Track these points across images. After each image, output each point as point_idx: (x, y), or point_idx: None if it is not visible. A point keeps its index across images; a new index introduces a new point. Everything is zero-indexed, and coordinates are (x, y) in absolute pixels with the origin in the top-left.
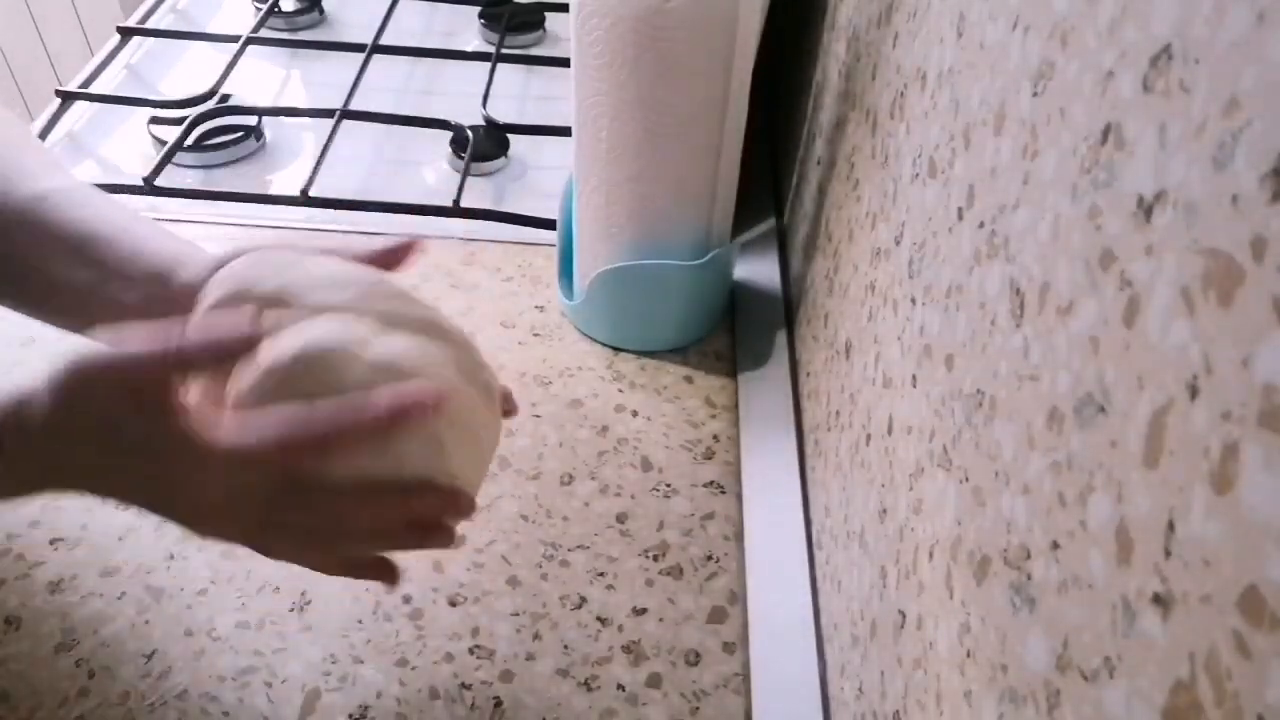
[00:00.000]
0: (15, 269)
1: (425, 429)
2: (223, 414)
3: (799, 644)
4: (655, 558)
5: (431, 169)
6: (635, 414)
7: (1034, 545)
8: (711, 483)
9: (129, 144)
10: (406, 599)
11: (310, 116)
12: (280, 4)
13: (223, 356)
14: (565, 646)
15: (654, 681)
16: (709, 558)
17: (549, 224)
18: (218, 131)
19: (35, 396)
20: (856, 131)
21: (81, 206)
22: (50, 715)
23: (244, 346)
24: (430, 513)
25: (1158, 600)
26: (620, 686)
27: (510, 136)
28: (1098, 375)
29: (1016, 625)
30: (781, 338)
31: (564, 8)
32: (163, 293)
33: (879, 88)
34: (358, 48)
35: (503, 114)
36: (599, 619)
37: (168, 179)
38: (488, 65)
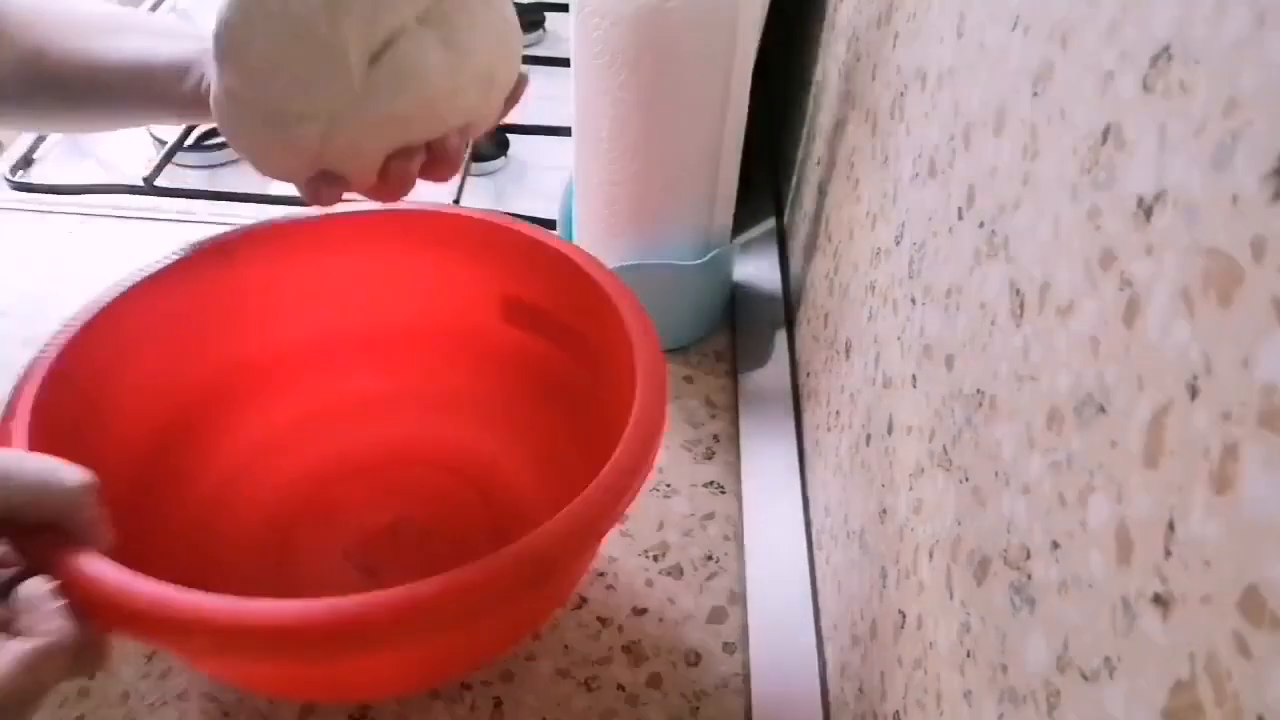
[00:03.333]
0: (95, 56)
1: None
2: None
3: (799, 644)
4: (655, 558)
5: None
6: None
7: (1034, 545)
8: (711, 483)
9: (129, 144)
10: None
11: None
12: None
13: None
14: (565, 646)
15: (654, 681)
16: (709, 558)
17: (549, 224)
18: (218, 131)
19: None
20: (856, 131)
21: (147, 15)
22: (50, 715)
23: None
24: None
25: (1158, 600)
26: (620, 686)
27: (510, 136)
28: (1098, 375)
29: (1016, 625)
30: (781, 338)
31: (564, 8)
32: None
33: (879, 88)
34: None
35: None
36: (599, 619)
37: (168, 179)
38: None
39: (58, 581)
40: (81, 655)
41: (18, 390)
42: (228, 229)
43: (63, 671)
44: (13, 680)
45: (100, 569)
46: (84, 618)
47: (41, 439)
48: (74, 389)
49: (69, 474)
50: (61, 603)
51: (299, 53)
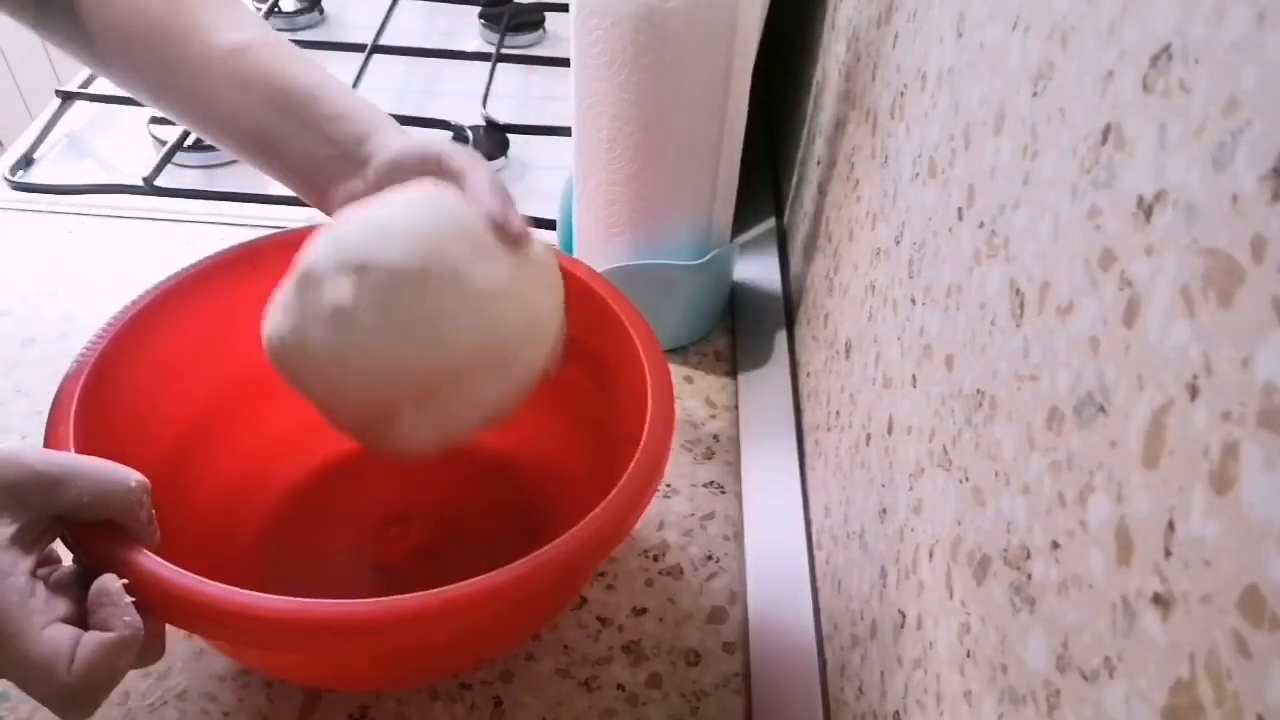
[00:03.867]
0: (216, 111)
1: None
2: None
3: (799, 644)
4: (655, 558)
5: None
6: None
7: (1034, 545)
8: (711, 483)
9: (129, 144)
10: None
11: None
12: (280, 4)
13: None
14: (565, 646)
15: (654, 681)
16: (709, 558)
17: (549, 224)
18: None
19: None
20: (856, 131)
21: (282, 60)
22: (50, 715)
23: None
24: None
25: (1158, 600)
26: (620, 686)
27: (510, 136)
28: (1098, 375)
29: (1016, 625)
30: (781, 338)
31: (564, 8)
32: (350, 154)
33: (879, 88)
34: (358, 48)
35: (503, 114)
36: (599, 619)
37: (168, 179)
38: (488, 65)
39: (125, 580)
40: (145, 647)
41: (62, 392)
42: (227, 229)
43: (132, 662)
44: (97, 670)
45: (164, 570)
46: (148, 613)
47: (83, 441)
48: (110, 392)
49: (130, 476)
50: (133, 599)
51: (310, 396)
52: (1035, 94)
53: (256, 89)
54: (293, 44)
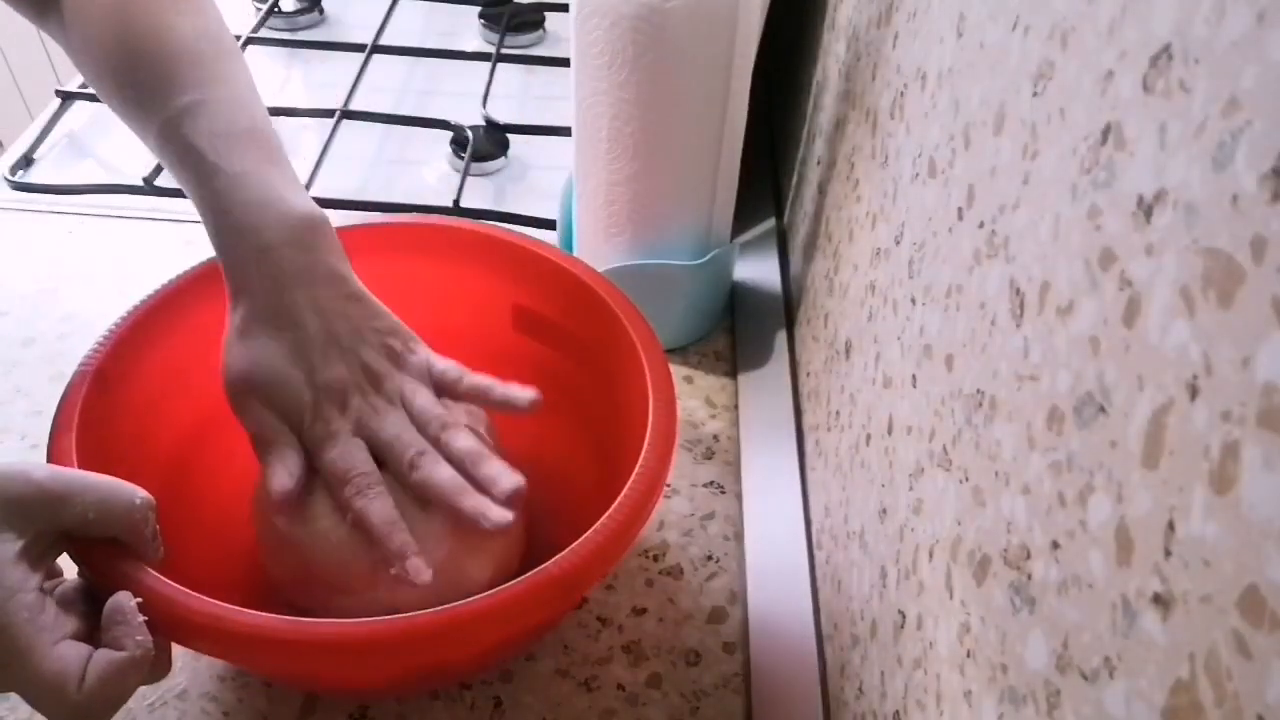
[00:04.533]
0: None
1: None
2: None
3: (799, 644)
4: (655, 558)
5: (431, 169)
6: None
7: (1034, 545)
8: (711, 483)
9: (129, 144)
10: None
11: (310, 116)
12: (280, 4)
13: None
14: (565, 646)
15: (654, 681)
16: (709, 558)
17: (549, 224)
18: None
19: None
20: (856, 131)
21: (207, 140)
22: None
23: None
24: None
25: (1158, 600)
26: (620, 686)
27: (510, 136)
28: (1098, 375)
29: (1016, 625)
30: (781, 338)
31: (564, 8)
32: (230, 256)
33: (879, 88)
34: (358, 48)
35: (503, 114)
36: (599, 619)
37: (168, 179)
38: (488, 65)
39: (139, 599)
40: (154, 665)
41: (64, 401)
42: None
43: (141, 680)
44: (107, 689)
45: (169, 590)
46: (155, 631)
47: (86, 451)
48: (112, 400)
49: (135, 494)
50: (145, 618)
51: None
52: (1035, 94)
53: (185, 170)
54: (234, 102)
